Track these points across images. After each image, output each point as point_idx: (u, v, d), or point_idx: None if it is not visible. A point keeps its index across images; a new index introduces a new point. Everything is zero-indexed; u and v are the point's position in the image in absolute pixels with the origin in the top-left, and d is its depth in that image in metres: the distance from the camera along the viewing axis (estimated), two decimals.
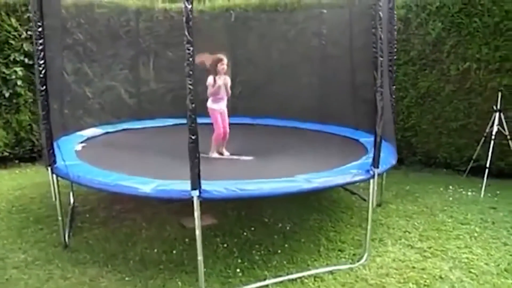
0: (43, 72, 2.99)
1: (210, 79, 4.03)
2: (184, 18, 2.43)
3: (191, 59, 2.44)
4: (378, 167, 3.09)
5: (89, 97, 5.66)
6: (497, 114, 4.56)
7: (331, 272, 3.04)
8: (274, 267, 3.12)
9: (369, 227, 3.21)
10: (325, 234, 3.67)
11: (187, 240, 3.53)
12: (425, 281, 2.84)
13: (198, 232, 2.64)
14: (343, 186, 4.55)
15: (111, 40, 5.81)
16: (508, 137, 4.56)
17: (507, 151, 4.72)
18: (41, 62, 2.98)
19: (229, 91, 4.12)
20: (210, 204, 4.01)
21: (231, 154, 4.16)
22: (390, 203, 4.41)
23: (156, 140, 4.60)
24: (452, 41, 4.95)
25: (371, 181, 3.11)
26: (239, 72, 6.01)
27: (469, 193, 4.57)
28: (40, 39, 2.96)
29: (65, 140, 4.12)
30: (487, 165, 4.54)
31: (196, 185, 2.51)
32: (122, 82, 5.99)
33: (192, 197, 2.54)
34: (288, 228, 3.80)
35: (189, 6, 2.42)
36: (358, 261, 3.18)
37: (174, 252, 3.33)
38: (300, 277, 2.96)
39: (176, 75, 6.40)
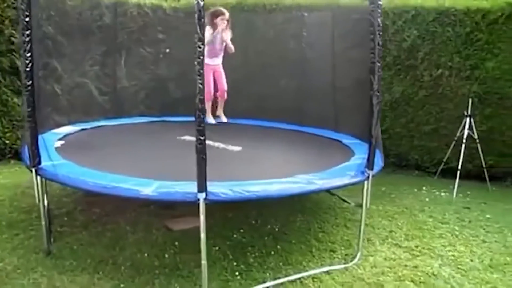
0: (29, 65, 2.79)
1: (207, 31, 3.90)
2: (196, 15, 2.36)
3: (201, 57, 2.36)
4: (372, 169, 3.18)
5: (58, 93, 5.37)
6: (468, 119, 4.84)
7: (327, 272, 3.07)
8: (270, 269, 3.11)
9: (362, 227, 3.28)
10: (314, 235, 3.71)
11: (176, 243, 3.43)
12: (420, 278, 2.95)
13: (202, 236, 2.59)
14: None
15: (82, 35, 5.55)
16: (477, 140, 4.85)
17: (474, 154, 5.01)
18: (28, 54, 2.77)
19: (231, 46, 3.98)
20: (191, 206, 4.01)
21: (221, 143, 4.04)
22: (370, 204, 4.53)
23: (137, 138, 4.44)
24: (426, 49, 5.19)
25: (365, 182, 3.19)
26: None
27: (442, 194, 4.81)
28: (27, 30, 2.75)
29: (41, 139, 3.87)
30: (459, 167, 4.80)
31: (203, 187, 2.45)
32: (93, 79, 5.73)
33: (198, 199, 2.48)
34: (277, 229, 3.79)
35: (201, 3, 2.35)
36: (351, 261, 3.24)
37: (166, 256, 3.22)
38: (298, 278, 2.97)
39: (149, 73, 6.28)
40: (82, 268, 3.00)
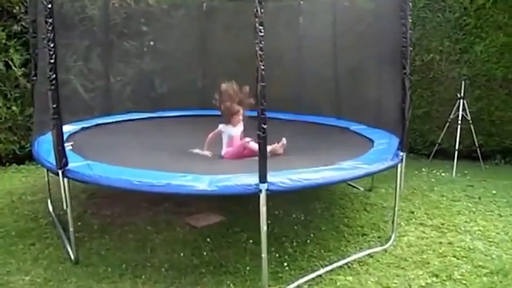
0: (53, 56, 2.54)
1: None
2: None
3: (261, 53, 2.25)
4: (405, 151, 3.23)
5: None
6: (461, 101, 5.06)
7: (369, 255, 3.10)
8: (313, 257, 3.08)
9: (396, 208, 3.34)
10: (339, 221, 3.72)
11: (208, 239, 3.32)
12: (460, 253, 3.04)
13: (264, 228, 2.50)
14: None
15: (65, 29, 5.16)
16: (470, 121, 5.09)
17: (465, 134, 5.25)
18: (51, 45, 2.53)
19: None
20: (208, 201, 3.88)
21: None
22: (378, 187, 4.62)
23: (149, 134, 4.24)
24: (418, 34, 5.35)
25: (399, 165, 3.23)
26: (206, 64, 5.81)
27: (443, 174, 5.00)
28: (50, 18, 2.50)
29: (44, 141, 3.58)
30: (456, 147, 5.02)
31: (264, 178, 2.36)
32: (77, 75, 5.36)
33: (260, 190, 2.39)
34: (302, 218, 3.77)
35: None
36: (386, 243, 3.29)
37: (204, 253, 3.10)
38: (345, 263, 2.97)
39: (134, 68, 5.99)
40: (120, 274, 2.81)
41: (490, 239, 3.27)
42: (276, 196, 4.00)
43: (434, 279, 2.71)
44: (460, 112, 5.04)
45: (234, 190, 2.40)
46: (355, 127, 4.49)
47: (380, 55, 4.26)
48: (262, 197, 2.41)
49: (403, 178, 3.31)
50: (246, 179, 2.43)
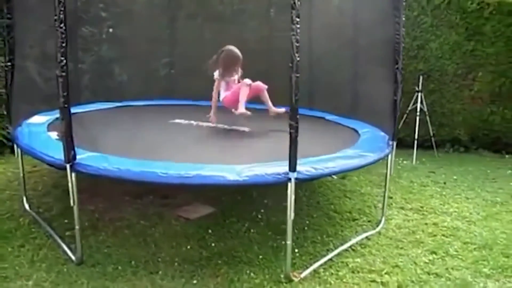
0: (64, 38, 2.35)
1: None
2: None
3: (297, 44, 2.28)
4: (396, 140, 3.46)
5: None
6: (419, 94, 5.50)
7: (367, 238, 3.30)
8: (317, 242, 3.19)
9: (386, 194, 3.57)
10: (328, 208, 3.88)
11: (210, 231, 3.29)
12: (447, 232, 3.35)
13: (292, 215, 2.53)
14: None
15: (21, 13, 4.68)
16: (427, 113, 5.55)
17: (419, 125, 5.71)
18: (63, 27, 2.34)
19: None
20: (194, 193, 3.84)
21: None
22: (350, 175, 4.88)
23: (129, 124, 4.06)
24: None
25: (390, 154, 3.46)
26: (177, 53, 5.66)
27: (405, 162, 5.41)
28: None
29: (23, 131, 3.29)
30: (416, 137, 5.45)
31: (294, 167, 2.41)
32: (35, 63, 4.90)
33: (289, 179, 2.43)
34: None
35: None
36: (377, 226, 3.52)
37: (212, 245, 3.07)
38: (349, 246, 3.13)
39: (93, 55, 5.63)
40: (133, 272, 2.69)
41: (467, 219, 3.63)
42: (253, 187, 4.16)
43: (434, 255, 2.97)
44: (418, 105, 5.47)
45: (264, 179, 2.42)
46: (330, 117, 4.69)
47: (354, 46, 4.48)
48: (292, 186, 2.45)
49: (392, 166, 3.55)
50: (275, 168, 2.45)
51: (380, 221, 3.56)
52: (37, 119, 3.75)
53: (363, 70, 4.41)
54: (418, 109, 5.47)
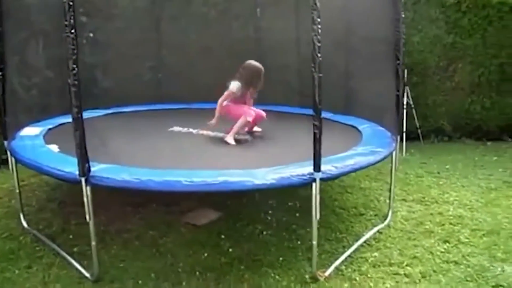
0: (76, 46, 2.24)
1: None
2: None
3: (319, 44, 2.27)
4: (399, 134, 3.53)
5: None
6: (405, 88, 5.61)
7: (379, 232, 3.35)
8: (331, 240, 3.20)
9: (392, 187, 3.62)
10: (332, 204, 3.90)
11: (223, 236, 3.23)
12: (453, 221, 3.44)
13: (318, 215, 2.53)
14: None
15: None
16: (412, 106, 5.68)
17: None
18: (74, 33, 2.22)
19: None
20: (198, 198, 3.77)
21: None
22: None
23: (127, 131, 3.93)
24: None
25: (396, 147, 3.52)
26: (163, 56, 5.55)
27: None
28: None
29: (18, 143, 3.12)
30: (404, 130, 5.57)
31: (319, 167, 2.41)
32: (14, 71, 4.65)
33: (314, 180, 2.43)
34: (298, 205, 3.86)
35: None
36: (385, 219, 3.56)
37: (230, 250, 3.02)
38: (364, 241, 3.16)
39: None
40: (155, 285, 2.61)
41: (469, 206, 3.75)
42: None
43: (448, 244, 3.05)
44: (405, 98, 5.60)
45: (290, 182, 2.40)
46: (324, 114, 4.71)
47: (346, 43, 4.53)
48: (317, 186, 2.45)
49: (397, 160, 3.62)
50: (299, 169, 2.44)
51: (387, 214, 3.61)
52: (29, 131, 3.57)
53: (356, 67, 4.46)
54: (405, 103, 5.60)
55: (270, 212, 3.70)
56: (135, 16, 5.60)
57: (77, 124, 2.30)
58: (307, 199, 3.99)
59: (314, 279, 2.66)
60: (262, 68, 3.76)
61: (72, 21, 2.19)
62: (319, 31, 2.30)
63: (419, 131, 5.82)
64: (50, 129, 3.70)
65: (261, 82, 3.77)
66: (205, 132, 3.89)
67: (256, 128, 4.01)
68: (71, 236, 3.20)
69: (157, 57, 5.64)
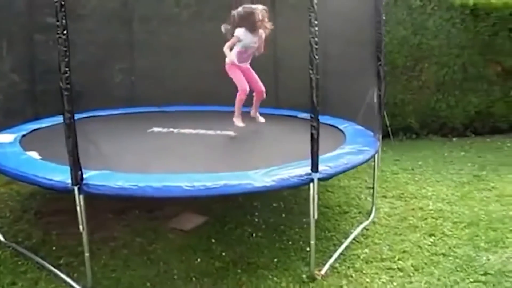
0: (68, 48, 2.14)
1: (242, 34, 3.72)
2: None
3: (316, 46, 2.29)
4: (381, 133, 3.63)
5: None
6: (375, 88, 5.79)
7: (365, 229, 3.43)
8: (321, 239, 3.22)
9: (375, 185, 3.73)
10: (318, 204, 3.90)
11: (213, 240, 3.19)
12: (435, 215, 3.58)
13: (315, 215, 2.55)
14: None
15: None
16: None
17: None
18: (65, 33, 2.12)
19: (262, 50, 3.86)
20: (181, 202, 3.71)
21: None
22: None
23: (107, 134, 3.78)
24: None
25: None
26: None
27: None
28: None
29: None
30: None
31: (317, 167, 2.43)
32: None
33: (312, 179, 2.45)
34: (283, 206, 3.88)
35: None
36: (369, 216, 3.66)
37: (223, 254, 2.98)
38: (353, 238, 3.22)
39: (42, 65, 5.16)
40: None
41: (446, 200, 3.91)
42: None
43: (433, 238, 3.17)
44: (375, 97, 5.77)
45: (289, 182, 2.41)
46: (302, 115, 4.78)
47: (321, 43, 4.60)
48: (315, 186, 2.47)
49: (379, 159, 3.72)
50: (297, 170, 2.46)
51: (370, 211, 3.70)
52: (1, 138, 3.36)
53: (332, 67, 4.55)
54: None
55: (256, 214, 3.70)
56: (105, 16, 5.44)
57: (70, 130, 2.20)
58: (290, 199, 4.12)
59: (312, 278, 2.68)
60: (259, 7, 3.72)
61: (64, 21, 2.08)
62: (317, 33, 2.32)
63: (389, 129, 6.01)
64: (24, 135, 3.50)
65: (263, 21, 3.72)
66: (186, 130, 3.84)
67: (260, 119, 4.07)
68: (54, 248, 3.05)
69: (129, 59, 5.50)
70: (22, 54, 4.99)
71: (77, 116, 4.51)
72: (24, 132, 3.60)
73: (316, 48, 2.33)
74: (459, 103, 6.25)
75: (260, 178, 2.37)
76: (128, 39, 5.52)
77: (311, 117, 2.41)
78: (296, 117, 4.77)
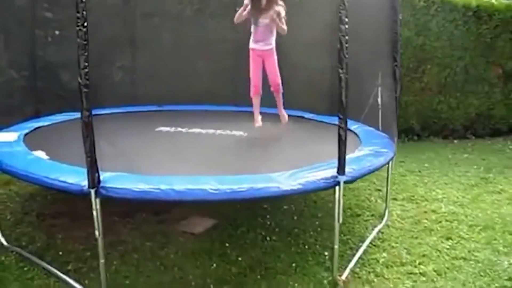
0: (87, 41, 2.01)
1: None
2: None
3: (346, 45, 2.21)
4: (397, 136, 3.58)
5: None
6: (379, 88, 5.75)
7: (381, 232, 3.36)
8: (340, 242, 3.15)
9: (388, 188, 3.67)
10: (328, 207, 3.83)
11: (227, 244, 3.09)
12: (448, 217, 3.54)
13: (340, 219, 2.47)
14: None
15: None
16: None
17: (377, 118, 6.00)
18: (85, 26, 1.99)
19: (284, 27, 3.61)
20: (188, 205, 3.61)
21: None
22: None
23: (114, 135, 3.63)
24: None
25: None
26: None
27: None
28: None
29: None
30: (380, 129, 5.69)
31: (343, 170, 2.35)
32: None
33: (338, 182, 2.37)
34: (294, 208, 3.80)
35: None
36: (382, 219, 3.60)
37: (239, 259, 2.88)
38: (370, 242, 3.15)
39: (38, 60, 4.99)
40: None
41: (458, 203, 3.88)
42: None
43: (451, 241, 3.12)
44: (379, 99, 5.73)
45: (315, 186, 2.33)
46: (309, 115, 4.71)
47: (330, 43, 4.54)
48: (341, 189, 2.39)
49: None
50: (321, 173, 2.38)
51: (383, 214, 3.64)
52: (3, 137, 3.20)
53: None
54: (380, 103, 5.73)
55: (268, 216, 3.60)
56: (106, 12, 5.28)
57: (88, 129, 2.07)
58: (300, 201, 4.04)
59: (334, 284, 2.60)
60: None
61: (84, 13, 1.96)
62: (347, 31, 2.24)
63: None
64: (26, 134, 3.35)
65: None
66: (196, 130, 3.73)
67: (284, 116, 4.03)
68: (60, 253, 2.90)
69: (129, 56, 5.35)
70: (21, 49, 4.81)
71: (76, 115, 4.47)
72: (27, 131, 3.44)
73: (347, 47, 2.25)
74: (460, 105, 6.27)
75: (286, 181, 2.28)
76: (130, 37, 5.36)
77: (339, 117, 2.33)
78: (303, 117, 4.71)
